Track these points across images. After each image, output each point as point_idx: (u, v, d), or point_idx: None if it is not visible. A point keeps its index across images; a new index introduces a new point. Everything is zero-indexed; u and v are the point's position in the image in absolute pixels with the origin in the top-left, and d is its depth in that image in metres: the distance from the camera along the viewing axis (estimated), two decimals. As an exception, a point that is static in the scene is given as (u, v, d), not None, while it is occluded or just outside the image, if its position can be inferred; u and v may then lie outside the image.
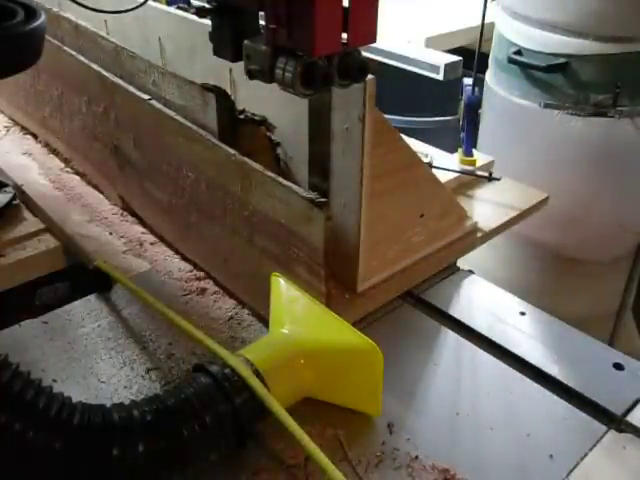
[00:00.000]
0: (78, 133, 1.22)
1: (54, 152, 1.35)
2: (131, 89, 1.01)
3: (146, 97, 0.98)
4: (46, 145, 1.38)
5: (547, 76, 1.63)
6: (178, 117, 0.93)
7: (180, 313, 0.85)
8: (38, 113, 1.35)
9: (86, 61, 1.08)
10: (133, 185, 1.11)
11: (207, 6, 0.73)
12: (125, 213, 1.16)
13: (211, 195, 0.93)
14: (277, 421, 0.67)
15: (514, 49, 1.67)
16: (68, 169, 1.29)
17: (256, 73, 0.68)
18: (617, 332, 2.02)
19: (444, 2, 2.28)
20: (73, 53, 1.11)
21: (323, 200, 0.76)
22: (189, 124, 0.91)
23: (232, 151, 0.85)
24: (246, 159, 0.83)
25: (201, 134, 0.89)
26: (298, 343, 0.74)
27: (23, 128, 1.45)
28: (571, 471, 0.70)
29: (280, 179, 0.80)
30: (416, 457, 0.71)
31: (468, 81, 1.43)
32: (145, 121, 1.00)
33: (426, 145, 1.45)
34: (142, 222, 1.13)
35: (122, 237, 1.08)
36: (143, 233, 1.10)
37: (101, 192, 1.22)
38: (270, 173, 0.81)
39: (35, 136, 1.42)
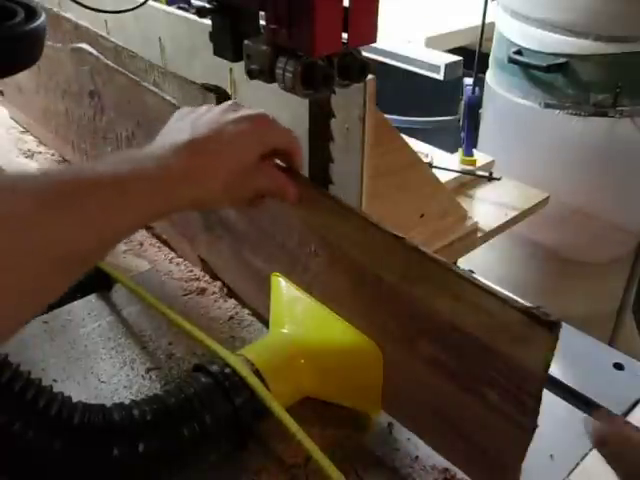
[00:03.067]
0: None
1: None
2: None
3: None
4: None
5: (547, 76, 1.63)
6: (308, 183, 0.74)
7: (180, 313, 0.85)
8: (96, 152, 1.18)
9: (173, 101, 0.91)
10: (224, 250, 0.93)
11: (207, 6, 0.73)
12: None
13: (350, 280, 0.70)
14: (277, 421, 0.67)
15: (514, 49, 1.67)
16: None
17: (256, 73, 0.68)
18: (617, 332, 2.02)
19: (444, 2, 2.28)
20: (155, 90, 0.93)
21: (552, 319, 0.52)
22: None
23: (398, 234, 0.64)
24: (418, 246, 0.61)
25: (352, 210, 0.68)
26: (298, 343, 0.74)
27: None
28: (571, 471, 0.70)
29: (478, 281, 0.57)
30: (416, 457, 0.71)
31: (468, 81, 1.43)
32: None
33: (426, 145, 1.45)
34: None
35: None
36: (143, 233, 1.10)
37: (171, 248, 1.06)
38: (459, 269, 0.59)
39: None
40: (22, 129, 1.45)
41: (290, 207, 0.72)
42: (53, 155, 1.33)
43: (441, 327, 0.60)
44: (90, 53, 1.04)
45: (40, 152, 1.35)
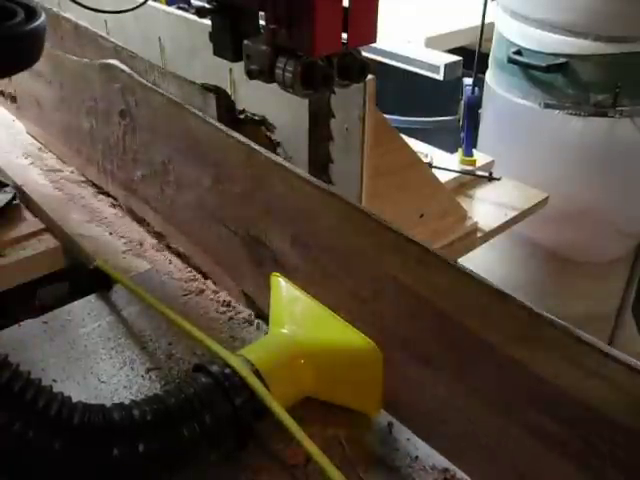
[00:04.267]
0: (186, 208, 0.96)
1: (141, 222, 1.10)
2: (301, 172, 0.74)
3: (331, 189, 0.71)
4: (130, 211, 1.12)
5: (547, 76, 1.63)
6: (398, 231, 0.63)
7: (180, 313, 0.85)
8: (123, 174, 1.09)
9: (223, 128, 0.82)
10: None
11: (207, 6, 0.73)
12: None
13: (442, 336, 0.63)
14: (277, 421, 0.67)
15: (514, 49, 1.67)
16: (161, 245, 1.06)
17: (256, 73, 0.68)
18: (617, 332, 2.02)
19: (444, 2, 2.28)
20: (198, 114, 0.86)
21: None
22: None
23: (504, 290, 0.58)
24: (532, 307, 0.56)
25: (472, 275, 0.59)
26: (298, 343, 0.74)
27: (95, 185, 1.21)
28: (571, 471, 0.70)
29: (603, 347, 0.51)
30: (416, 457, 0.71)
31: (468, 81, 1.43)
32: (325, 220, 0.72)
33: (426, 145, 1.45)
34: (145, 224, 1.10)
35: (122, 237, 1.08)
36: (143, 233, 1.10)
37: (213, 281, 0.97)
38: (585, 336, 0.53)
39: (109, 195, 1.17)
40: (40, 145, 1.35)
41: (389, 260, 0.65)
42: (73, 173, 1.25)
43: (549, 392, 0.55)
44: (122, 70, 0.98)
45: (61, 170, 1.26)
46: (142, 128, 0.98)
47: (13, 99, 1.48)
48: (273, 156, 0.77)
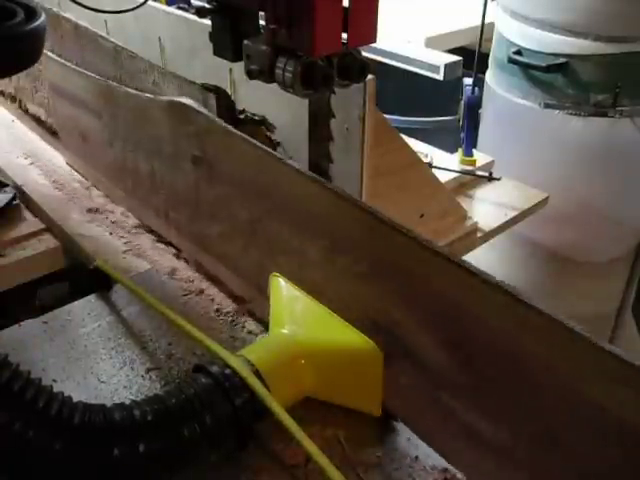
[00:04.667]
0: (274, 269, 0.81)
1: (214, 280, 0.97)
2: (457, 259, 0.60)
3: (492, 281, 0.56)
4: (199, 266, 0.99)
5: (547, 76, 1.63)
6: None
7: (180, 313, 0.85)
8: (193, 226, 0.97)
9: (329, 186, 0.70)
10: (414, 390, 0.68)
11: (207, 6, 0.73)
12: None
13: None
14: (277, 421, 0.67)
15: (514, 49, 1.68)
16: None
17: (256, 73, 0.68)
18: (617, 332, 2.02)
19: (444, 2, 2.28)
20: (296, 166, 0.73)
21: None
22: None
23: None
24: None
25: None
26: (298, 343, 0.74)
27: (152, 231, 1.08)
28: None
29: None
30: (416, 457, 0.71)
31: (468, 81, 1.43)
32: (495, 320, 0.57)
33: (426, 145, 1.45)
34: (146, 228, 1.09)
35: (122, 237, 1.08)
36: (143, 233, 1.10)
37: None
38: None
39: (169, 244, 1.05)
40: (81, 178, 1.25)
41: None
42: (126, 216, 1.13)
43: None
44: (198, 112, 0.85)
45: (111, 211, 1.14)
46: (222, 179, 0.85)
47: (13, 99, 1.49)
48: (407, 231, 0.64)
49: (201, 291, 0.96)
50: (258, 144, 0.77)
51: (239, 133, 0.80)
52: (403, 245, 0.64)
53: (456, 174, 1.34)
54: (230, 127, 0.81)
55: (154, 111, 0.94)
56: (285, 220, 0.77)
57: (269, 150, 0.76)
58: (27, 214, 1.16)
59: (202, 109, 0.85)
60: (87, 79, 1.08)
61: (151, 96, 0.94)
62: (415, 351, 0.65)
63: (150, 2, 1.05)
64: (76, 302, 0.94)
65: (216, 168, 0.86)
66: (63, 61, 1.15)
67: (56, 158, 1.33)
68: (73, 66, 1.13)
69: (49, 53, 1.18)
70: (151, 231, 1.08)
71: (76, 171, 1.26)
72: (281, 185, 0.75)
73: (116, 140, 1.07)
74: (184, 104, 0.87)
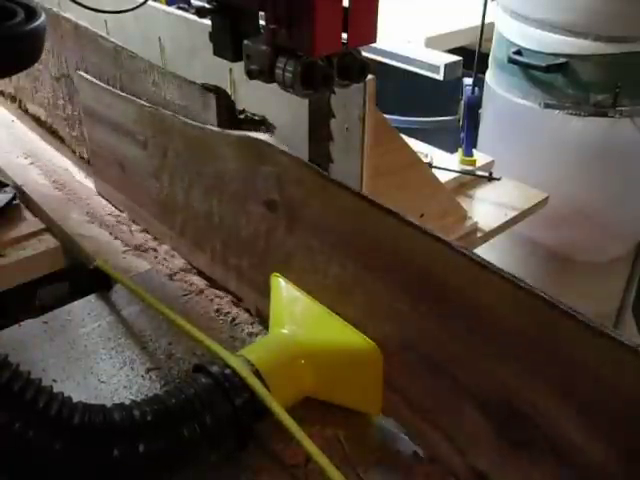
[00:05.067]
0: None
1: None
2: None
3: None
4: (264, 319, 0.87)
5: (547, 76, 1.63)
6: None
7: (180, 313, 0.85)
8: (259, 275, 0.86)
9: (455, 245, 0.61)
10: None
11: (207, 6, 0.73)
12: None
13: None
14: (277, 421, 0.67)
15: (514, 49, 1.68)
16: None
17: (256, 73, 0.68)
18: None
19: (444, 2, 2.28)
20: (412, 222, 0.64)
21: None
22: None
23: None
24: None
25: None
26: (298, 343, 0.74)
27: (201, 273, 0.98)
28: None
29: None
30: (416, 457, 0.71)
31: (468, 81, 1.43)
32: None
33: (426, 145, 1.45)
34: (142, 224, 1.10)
35: (122, 237, 1.08)
36: (143, 233, 1.10)
37: None
38: None
39: (227, 291, 0.94)
40: (114, 209, 1.14)
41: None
42: (172, 256, 1.02)
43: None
44: (281, 151, 0.76)
45: (154, 249, 1.03)
46: (305, 228, 0.76)
47: (13, 99, 1.49)
48: (557, 302, 0.57)
49: (201, 291, 0.96)
50: (359, 192, 0.68)
51: (333, 178, 0.70)
52: (570, 331, 0.55)
53: (456, 174, 1.35)
54: (318, 169, 0.72)
55: (219, 145, 0.83)
56: (388, 281, 0.67)
57: (373, 200, 0.66)
58: (27, 214, 1.16)
59: (285, 148, 0.75)
60: (131, 104, 0.99)
61: (216, 129, 0.83)
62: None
63: (150, 2, 1.05)
64: (76, 302, 0.94)
65: (299, 216, 0.75)
66: (101, 83, 1.06)
67: (56, 158, 1.33)
68: (113, 89, 1.03)
69: (83, 73, 1.10)
70: (200, 273, 0.98)
71: (108, 201, 1.15)
72: (389, 241, 0.65)
73: (164, 173, 0.97)
74: (261, 141, 0.78)
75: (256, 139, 0.79)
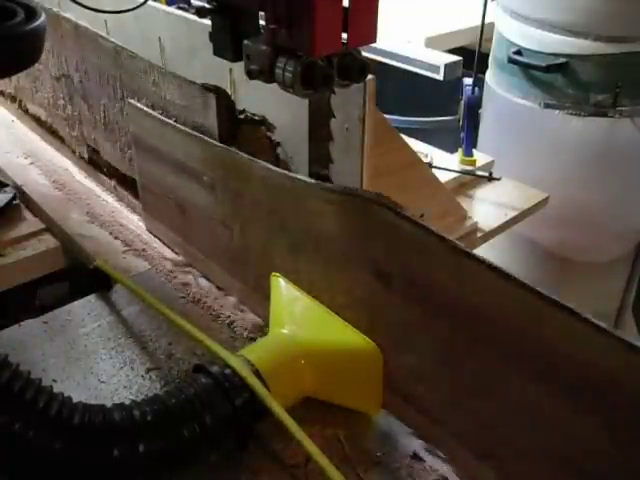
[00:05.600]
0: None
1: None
2: None
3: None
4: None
5: (547, 76, 1.63)
6: None
7: (180, 313, 0.85)
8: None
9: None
10: None
11: (207, 6, 0.73)
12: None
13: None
14: (277, 421, 0.67)
15: (514, 49, 1.67)
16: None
17: (256, 73, 0.68)
18: (617, 332, 2.01)
19: (444, 2, 2.28)
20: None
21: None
22: None
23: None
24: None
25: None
26: (298, 343, 0.74)
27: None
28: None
29: None
30: (416, 457, 0.71)
31: (468, 81, 1.43)
32: None
33: (426, 145, 1.45)
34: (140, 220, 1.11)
35: (122, 237, 1.08)
36: (143, 233, 1.10)
37: None
38: None
39: None
40: (170, 251, 1.03)
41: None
42: (236, 307, 0.92)
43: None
44: (399, 214, 0.64)
45: (216, 299, 0.93)
46: (432, 309, 0.65)
47: (13, 99, 1.49)
48: None
49: (201, 291, 0.96)
50: (513, 276, 0.57)
51: (472, 252, 0.60)
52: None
53: (456, 174, 1.34)
54: (455, 242, 0.61)
55: (313, 200, 0.73)
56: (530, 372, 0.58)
57: (529, 285, 0.56)
58: (27, 214, 1.16)
59: (407, 213, 0.64)
60: (196, 141, 0.88)
61: (309, 180, 0.74)
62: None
63: (150, 2, 1.05)
64: (76, 302, 0.94)
65: (424, 295, 0.65)
66: (158, 114, 0.95)
67: (56, 158, 1.33)
68: (174, 123, 0.92)
69: (134, 102, 0.99)
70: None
71: (160, 240, 1.05)
72: (564, 348, 0.55)
73: (237, 222, 0.86)
74: (374, 202, 0.66)
75: (368, 200, 0.67)
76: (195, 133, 0.89)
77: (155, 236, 1.05)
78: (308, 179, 0.75)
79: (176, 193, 0.97)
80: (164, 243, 1.05)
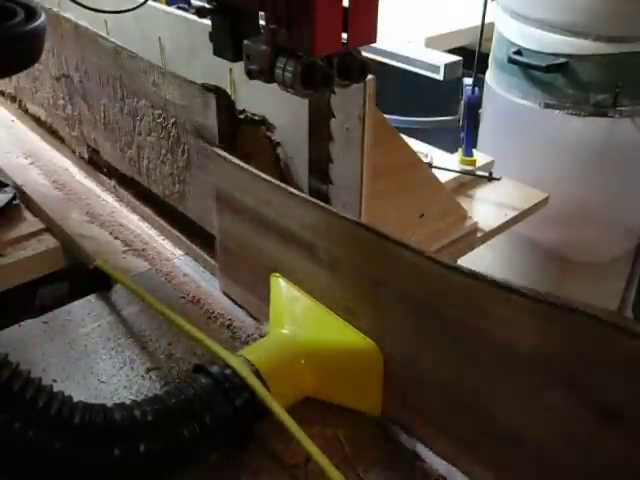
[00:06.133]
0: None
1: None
2: None
3: None
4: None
5: (547, 76, 1.63)
6: None
7: (180, 313, 0.85)
8: (458, 429, 0.68)
9: None
10: None
11: (207, 6, 0.73)
12: (126, 213, 1.04)
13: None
14: (277, 421, 0.67)
15: (514, 49, 1.68)
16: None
17: (256, 73, 0.68)
18: (617, 332, 2.01)
19: (444, 2, 2.28)
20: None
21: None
22: None
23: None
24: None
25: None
26: (298, 343, 0.74)
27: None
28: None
29: None
30: (416, 457, 0.71)
31: (468, 81, 1.43)
32: None
33: (426, 145, 1.45)
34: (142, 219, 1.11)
35: (122, 237, 1.08)
36: (143, 233, 1.10)
37: None
38: None
39: None
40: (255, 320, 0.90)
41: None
42: None
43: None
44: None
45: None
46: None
47: (13, 99, 1.48)
48: None
49: (201, 291, 0.96)
50: None
51: None
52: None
53: (456, 174, 1.34)
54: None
55: (500, 308, 0.59)
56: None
57: None
58: (27, 214, 1.16)
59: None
60: (309, 207, 0.73)
61: (495, 278, 0.60)
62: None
63: (150, 2, 1.05)
64: (76, 302, 0.94)
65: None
66: (252, 169, 0.80)
67: (56, 158, 1.33)
68: (273, 179, 0.78)
69: (221, 152, 0.85)
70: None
71: (238, 304, 0.93)
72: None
73: (366, 315, 0.71)
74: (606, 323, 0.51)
75: (602, 323, 0.52)
76: (302, 194, 0.75)
77: (233, 301, 0.93)
78: (491, 277, 0.59)
79: (268, 258, 0.82)
80: (241, 307, 0.92)
